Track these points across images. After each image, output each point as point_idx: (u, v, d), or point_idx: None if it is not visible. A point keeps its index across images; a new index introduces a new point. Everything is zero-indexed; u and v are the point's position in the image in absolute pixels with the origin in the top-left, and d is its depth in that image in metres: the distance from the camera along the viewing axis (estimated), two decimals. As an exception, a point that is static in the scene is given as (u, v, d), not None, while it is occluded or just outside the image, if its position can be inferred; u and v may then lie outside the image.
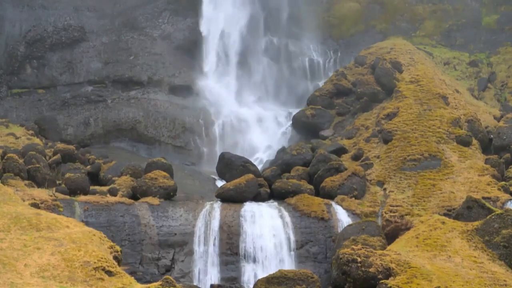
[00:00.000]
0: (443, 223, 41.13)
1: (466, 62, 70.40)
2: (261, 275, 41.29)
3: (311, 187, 48.84)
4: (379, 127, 55.19)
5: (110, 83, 66.59)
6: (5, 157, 46.37)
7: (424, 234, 40.49)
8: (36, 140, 56.83)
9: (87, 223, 40.84)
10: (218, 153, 56.60)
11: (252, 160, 54.45)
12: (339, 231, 44.76)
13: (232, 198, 46.87)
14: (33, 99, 65.29)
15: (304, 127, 61.71)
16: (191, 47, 69.18)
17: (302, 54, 72.81)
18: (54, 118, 63.20)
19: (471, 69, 69.41)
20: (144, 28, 69.01)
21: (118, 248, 35.61)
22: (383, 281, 35.29)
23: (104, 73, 66.91)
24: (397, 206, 46.80)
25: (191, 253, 44.13)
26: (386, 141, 53.31)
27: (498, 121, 58.26)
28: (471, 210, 42.76)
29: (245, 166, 50.46)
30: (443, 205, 46.18)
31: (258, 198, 47.83)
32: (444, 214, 44.47)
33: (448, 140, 52.31)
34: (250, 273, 43.49)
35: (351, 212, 46.51)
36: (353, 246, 38.16)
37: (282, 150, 55.99)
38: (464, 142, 52.42)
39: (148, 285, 32.13)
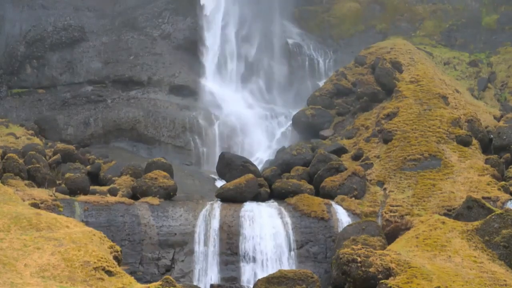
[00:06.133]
0: (443, 223, 41.15)
1: (466, 62, 70.41)
2: (261, 275, 41.30)
3: (311, 187, 48.83)
4: (379, 127, 55.18)
5: (110, 83, 66.56)
6: (5, 157, 46.35)
7: (424, 234, 40.50)
8: (36, 140, 56.85)
9: (87, 223, 40.83)
10: (218, 153, 56.58)
11: (252, 160, 54.44)
12: (339, 231, 44.74)
13: (232, 198, 46.85)
14: (33, 99, 65.27)
15: (304, 127, 61.67)
16: (191, 47, 69.18)
17: (302, 54, 72.81)
18: (54, 118, 63.20)
19: (471, 69, 69.43)
20: (144, 28, 69.00)
21: (118, 248, 35.60)
22: (383, 281, 35.30)
23: (104, 73, 66.89)
24: (397, 206, 46.80)
25: (191, 253, 44.12)
26: (386, 141, 53.30)
27: (498, 121, 58.23)
28: (471, 210, 42.77)
29: (245, 166, 50.44)
30: (443, 205, 46.18)
31: (258, 198, 47.81)
32: (444, 214, 44.48)
33: (448, 140, 52.30)
34: (250, 273, 43.48)
35: (351, 212, 46.51)
36: (353, 246, 38.17)
37: (282, 150, 55.99)
38: (464, 142, 52.40)
39: (148, 285, 32.13)
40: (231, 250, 44.10)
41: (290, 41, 73.27)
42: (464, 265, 37.36)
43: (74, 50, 67.23)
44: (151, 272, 43.07)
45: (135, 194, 46.90)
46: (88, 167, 51.07)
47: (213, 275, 43.58)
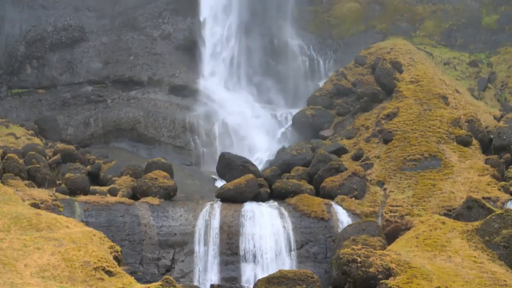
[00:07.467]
0: (443, 223, 41.15)
1: (466, 62, 70.41)
2: (261, 275, 41.30)
3: (311, 187, 48.83)
4: (379, 127, 55.18)
5: (110, 83, 66.58)
6: (5, 157, 46.37)
7: (424, 234, 40.50)
8: (36, 140, 56.86)
9: (87, 223, 40.85)
10: (218, 153, 56.59)
11: (252, 160, 54.41)
12: (339, 231, 44.76)
13: (232, 198, 46.85)
14: (33, 99, 65.30)
15: (304, 127, 61.66)
16: (191, 47, 69.20)
17: (302, 54, 72.82)
18: (54, 118, 63.21)
19: (471, 69, 69.43)
20: (144, 28, 69.01)
21: (118, 248, 35.60)
22: (383, 281, 35.29)
23: (104, 73, 66.92)
24: (397, 206, 46.80)
25: (191, 253, 44.13)
26: (386, 141, 53.30)
27: (498, 121, 58.24)
28: (471, 210, 42.77)
29: (245, 166, 50.44)
30: (443, 205, 46.18)
31: (258, 198, 47.81)
32: (444, 214, 44.48)
33: (448, 140, 52.30)
34: (250, 273, 43.49)
35: (351, 212, 46.51)
36: (353, 246, 38.17)
37: (282, 150, 55.99)
38: (464, 142, 52.40)
39: (148, 285, 32.14)
40: (231, 250, 44.10)
41: (290, 41, 73.26)
42: (464, 265, 37.36)
43: (74, 50, 67.26)
44: (151, 272, 43.07)
45: (135, 194, 46.90)
46: (88, 167, 51.07)
47: (213, 275, 43.59)
